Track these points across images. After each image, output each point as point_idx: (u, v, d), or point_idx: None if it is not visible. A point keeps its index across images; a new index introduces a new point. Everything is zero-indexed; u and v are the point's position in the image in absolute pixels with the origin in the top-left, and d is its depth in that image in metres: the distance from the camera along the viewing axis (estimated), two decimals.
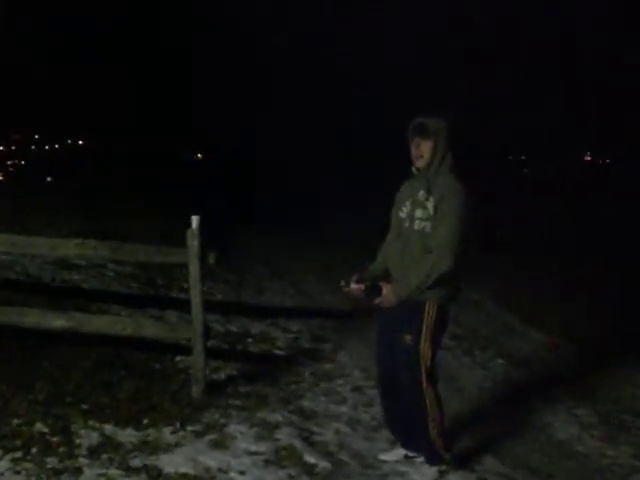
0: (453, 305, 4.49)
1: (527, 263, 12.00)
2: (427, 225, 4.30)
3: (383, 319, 4.55)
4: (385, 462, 4.65)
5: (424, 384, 4.35)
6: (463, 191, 4.29)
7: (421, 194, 4.36)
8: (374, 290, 4.40)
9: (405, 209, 4.44)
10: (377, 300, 4.40)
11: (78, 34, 48.93)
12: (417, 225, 4.34)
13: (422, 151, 4.37)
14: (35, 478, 4.07)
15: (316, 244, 14.58)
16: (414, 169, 4.45)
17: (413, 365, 4.35)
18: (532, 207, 20.53)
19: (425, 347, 4.33)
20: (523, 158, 53.49)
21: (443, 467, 4.49)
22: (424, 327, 4.32)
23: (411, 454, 4.65)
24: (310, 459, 4.57)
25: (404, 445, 4.68)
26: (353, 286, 4.43)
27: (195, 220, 5.27)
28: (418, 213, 4.35)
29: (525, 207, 20.48)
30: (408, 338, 4.34)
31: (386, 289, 4.36)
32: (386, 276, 4.51)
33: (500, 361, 7.19)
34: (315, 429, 5.12)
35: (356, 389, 6.05)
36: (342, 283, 4.47)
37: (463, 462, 4.68)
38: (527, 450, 5.17)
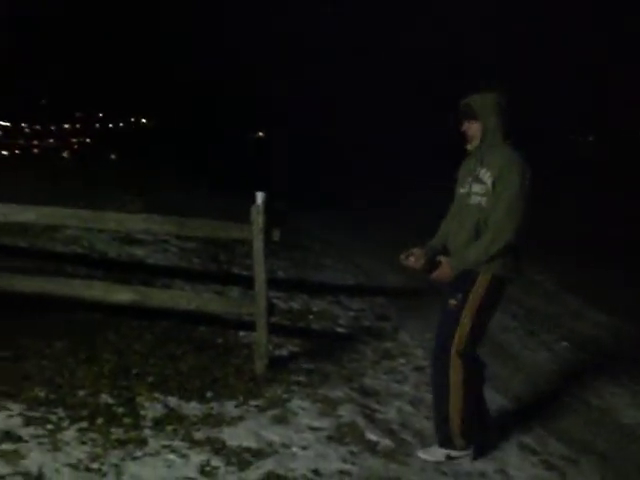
0: (509, 282, 4.35)
1: (591, 246, 11.77)
2: (483, 200, 4.24)
3: (445, 294, 4.50)
4: None
5: (451, 353, 4.20)
6: (520, 162, 4.22)
7: (478, 170, 4.32)
8: (433, 265, 4.36)
9: (467, 186, 4.40)
10: (434, 274, 4.35)
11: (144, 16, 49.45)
12: (473, 200, 4.30)
13: (472, 133, 4.35)
14: (101, 448, 4.12)
15: (376, 224, 14.55)
16: (469, 147, 4.41)
17: (448, 331, 4.24)
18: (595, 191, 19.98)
19: (467, 316, 4.20)
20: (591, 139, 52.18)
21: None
22: (471, 295, 4.21)
23: None
24: (372, 436, 4.57)
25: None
26: (412, 261, 4.40)
27: (260, 196, 5.29)
28: (475, 188, 4.30)
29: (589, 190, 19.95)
30: (453, 303, 4.25)
31: (443, 263, 4.33)
32: (445, 252, 4.46)
33: (564, 343, 7.08)
34: (377, 407, 5.11)
35: (418, 369, 6.01)
36: (402, 256, 4.44)
37: (484, 451, 4.50)
38: (591, 433, 5.08)
